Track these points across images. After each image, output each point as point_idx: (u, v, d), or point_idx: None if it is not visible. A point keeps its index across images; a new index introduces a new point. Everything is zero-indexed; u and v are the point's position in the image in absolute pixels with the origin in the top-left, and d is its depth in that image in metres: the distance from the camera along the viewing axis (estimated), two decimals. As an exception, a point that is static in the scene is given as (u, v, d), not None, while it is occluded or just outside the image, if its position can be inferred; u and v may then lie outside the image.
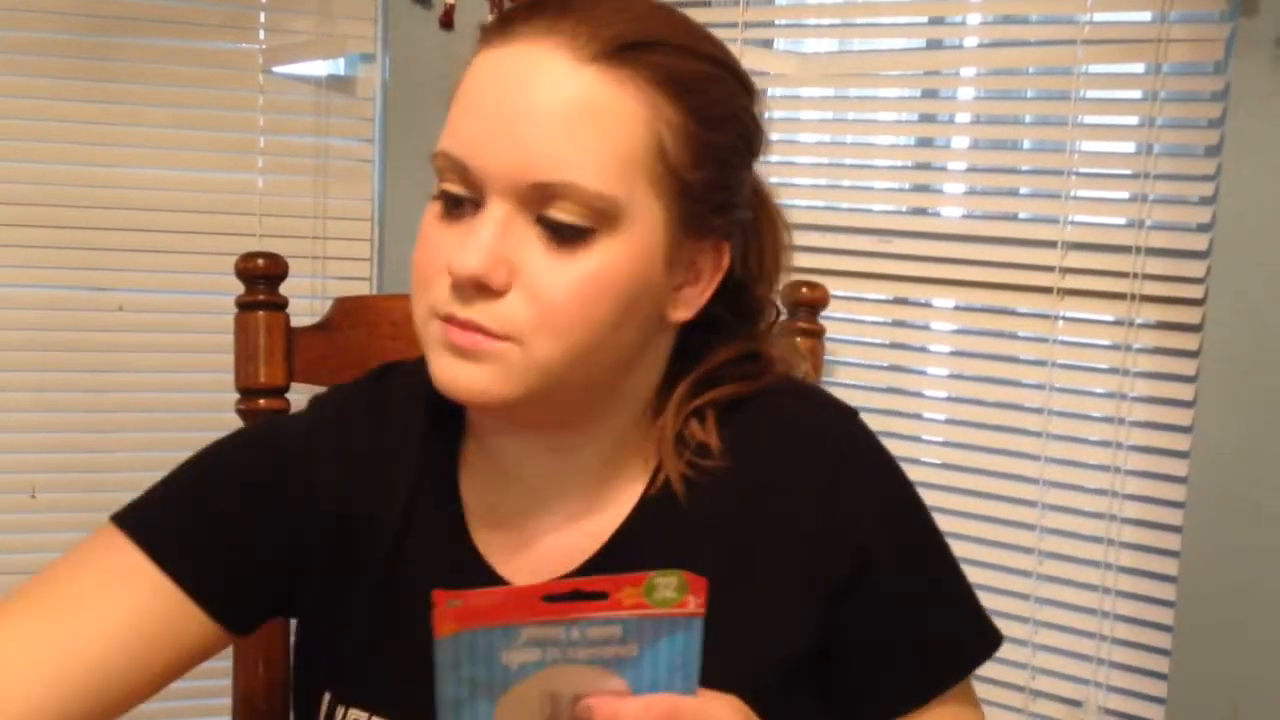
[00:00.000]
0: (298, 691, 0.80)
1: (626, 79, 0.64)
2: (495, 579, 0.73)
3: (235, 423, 1.24)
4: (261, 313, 1.23)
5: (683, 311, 0.72)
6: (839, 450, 0.74)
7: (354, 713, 0.72)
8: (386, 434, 0.78)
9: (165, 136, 1.56)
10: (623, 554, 0.72)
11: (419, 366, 0.72)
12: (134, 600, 0.71)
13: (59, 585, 0.73)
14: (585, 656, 0.57)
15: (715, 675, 0.61)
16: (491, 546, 0.74)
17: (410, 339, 1.35)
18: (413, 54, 1.65)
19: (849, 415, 0.77)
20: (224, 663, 0.90)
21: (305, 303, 1.55)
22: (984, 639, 0.79)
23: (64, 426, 1.56)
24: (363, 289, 1.64)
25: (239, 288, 1.24)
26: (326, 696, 0.74)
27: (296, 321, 1.26)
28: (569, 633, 0.56)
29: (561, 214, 0.64)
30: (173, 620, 0.72)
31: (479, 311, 0.64)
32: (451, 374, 0.66)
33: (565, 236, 0.64)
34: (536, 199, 0.64)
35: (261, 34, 1.59)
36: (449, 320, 0.65)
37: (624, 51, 0.64)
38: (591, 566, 0.72)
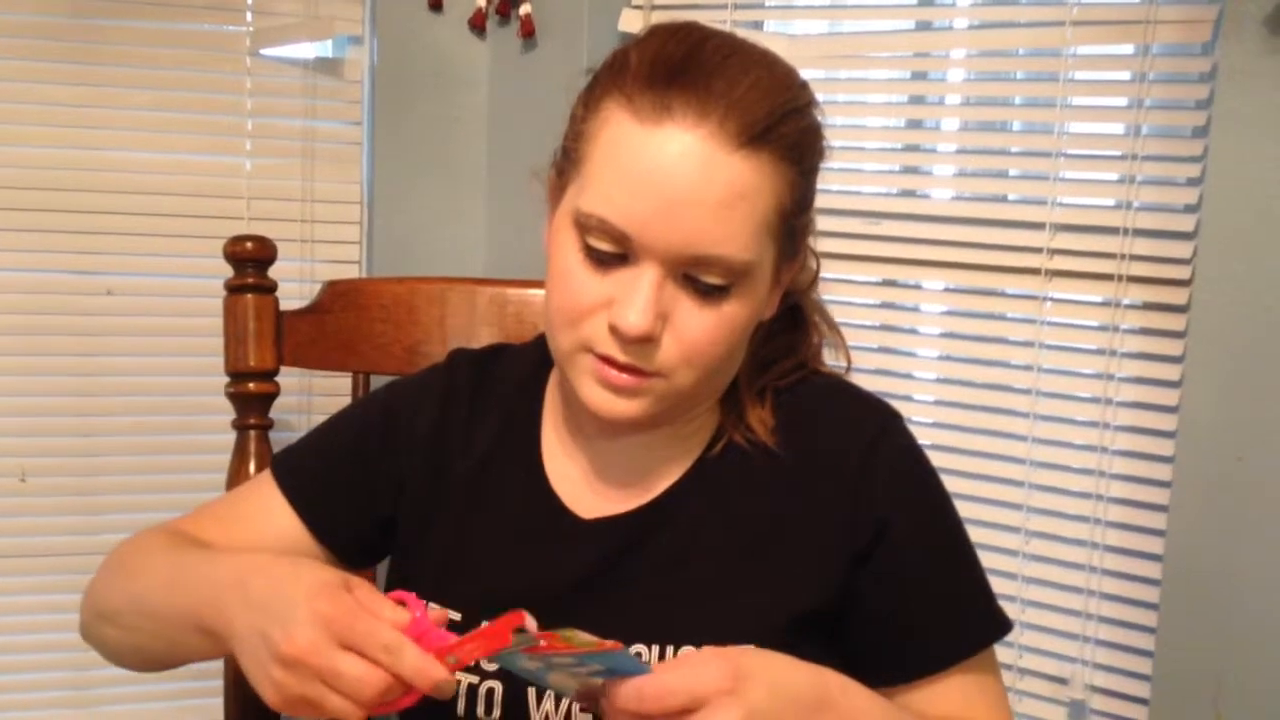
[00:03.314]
0: None
1: (765, 160, 0.74)
2: (564, 511, 0.86)
3: (225, 406, 1.25)
4: (250, 296, 1.23)
5: (769, 312, 0.83)
6: (871, 439, 0.84)
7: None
8: (483, 392, 0.92)
9: (152, 119, 1.56)
10: (671, 506, 0.84)
11: (529, 350, 0.92)
12: (278, 527, 0.90)
13: (232, 505, 0.95)
14: (570, 672, 0.67)
15: (731, 622, 0.70)
16: (563, 486, 0.87)
17: (399, 321, 1.35)
18: (401, 36, 1.64)
19: (888, 413, 0.87)
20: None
21: (294, 286, 1.55)
22: (992, 623, 0.86)
23: (53, 410, 1.56)
24: (351, 272, 1.64)
25: (228, 271, 1.24)
26: None
27: (285, 305, 1.26)
28: (547, 659, 0.66)
29: (710, 278, 0.75)
30: (300, 545, 0.90)
31: (635, 355, 0.76)
32: (607, 404, 0.78)
33: (708, 292, 0.75)
34: (686, 263, 0.74)
35: (249, 16, 1.58)
36: (607, 361, 0.76)
37: (762, 136, 0.73)
38: (645, 510, 0.85)
